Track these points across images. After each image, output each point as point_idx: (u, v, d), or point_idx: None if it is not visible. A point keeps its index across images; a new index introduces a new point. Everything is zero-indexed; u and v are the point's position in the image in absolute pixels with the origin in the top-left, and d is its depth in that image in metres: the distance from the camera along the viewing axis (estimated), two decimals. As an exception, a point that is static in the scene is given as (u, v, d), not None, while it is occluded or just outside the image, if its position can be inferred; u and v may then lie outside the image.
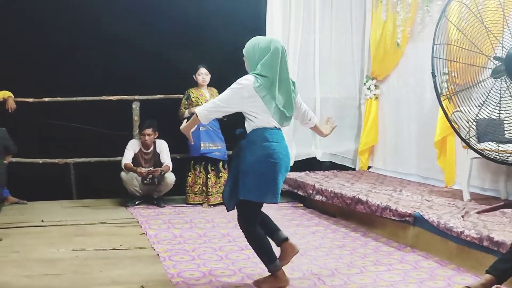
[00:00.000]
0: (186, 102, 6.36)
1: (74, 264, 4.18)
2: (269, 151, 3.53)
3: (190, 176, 6.38)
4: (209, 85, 6.42)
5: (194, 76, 6.31)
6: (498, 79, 4.47)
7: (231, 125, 6.19)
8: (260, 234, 3.70)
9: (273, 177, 3.55)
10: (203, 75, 6.34)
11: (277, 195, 3.61)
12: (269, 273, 3.72)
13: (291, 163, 7.16)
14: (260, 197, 3.57)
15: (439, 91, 4.57)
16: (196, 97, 6.32)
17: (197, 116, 3.59)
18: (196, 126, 3.78)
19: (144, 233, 5.10)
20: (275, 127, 3.59)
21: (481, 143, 4.83)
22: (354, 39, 7.38)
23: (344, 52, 7.38)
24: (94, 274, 3.98)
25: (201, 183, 6.33)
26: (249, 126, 3.62)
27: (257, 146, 3.54)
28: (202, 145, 6.21)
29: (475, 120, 4.82)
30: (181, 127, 3.75)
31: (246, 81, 3.53)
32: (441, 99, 3.54)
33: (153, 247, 4.64)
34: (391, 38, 6.70)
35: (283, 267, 3.74)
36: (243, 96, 3.51)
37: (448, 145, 5.91)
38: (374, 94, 7.13)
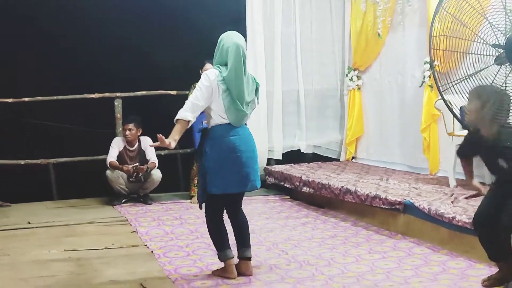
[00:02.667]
0: None
1: (68, 265, 4.12)
2: (229, 146, 3.66)
3: (193, 169, 6.32)
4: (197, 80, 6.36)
5: (200, 71, 6.16)
6: (501, 66, 4.49)
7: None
8: (218, 225, 3.82)
9: (237, 170, 3.68)
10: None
11: (244, 184, 3.73)
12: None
13: (279, 157, 7.22)
14: (223, 189, 3.68)
15: (437, 82, 4.60)
16: None
17: (183, 120, 3.61)
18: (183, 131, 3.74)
19: (134, 231, 5.06)
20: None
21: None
22: (334, 28, 7.41)
23: (325, 42, 7.41)
24: (90, 274, 3.94)
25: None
26: (210, 123, 3.74)
27: (217, 142, 3.68)
28: None
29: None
30: (172, 140, 3.65)
31: (212, 75, 3.65)
32: (441, 90, 3.59)
33: (146, 245, 4.61)
34: (372, 29, 6.76)
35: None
36: (212, 90, 3.64)
37: (432, 133, 6.00)
38: (357, 85, 7.18)
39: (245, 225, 3.90)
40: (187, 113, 3.61)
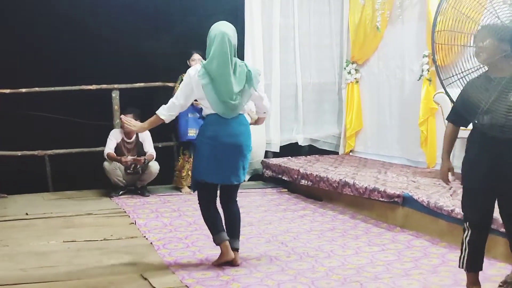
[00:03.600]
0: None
1: (67, 256, 4.11)
2: (211, 134, 3.69)
3: (179, 161, 6.39)
4: None
5: (188, 62, 6.15)
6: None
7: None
8: (210, 210, 3.86)
9: (215, 159, 3.69)
10: (197, 60, 6.26)
11: (221, 176, 3.73)
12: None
13: (276, 150, 7.22)
14: (202, 176, 3.74)
15: (440, 76, 4.58)
16: None
17: (158, 116, 3.75)
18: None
19: (133, 223, 5.06)
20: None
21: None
22: (332, 21, 7.41)
23: (323, 35, 7.42)
24: (90, 265, 3.93)
25: (189, 167, 6.29)
26: (204, 112, 3.79)
27: (204, 130, 3.76)
28: (189, 131, 6.19)
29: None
30: (140, 126, 3.94)
31: (192, 71, 3.70)
32: (444, 84, 3.56)
33: (145, 236, 4.61)
34: (371, 22, 6.75)
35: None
36: (193, 86, 3.67)
37: (429, 127, 6.02)
38: (355, 78, 7.19)
39: (235, 216, 3.91)
40: (163, 111, 3.75)
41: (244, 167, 3.81)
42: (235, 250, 3.86)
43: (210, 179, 3.75)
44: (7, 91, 6.31)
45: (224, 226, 3.88)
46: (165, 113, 3.74)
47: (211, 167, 3.71)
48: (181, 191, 6.36)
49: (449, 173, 3.32)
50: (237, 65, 3.69)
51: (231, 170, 3.74)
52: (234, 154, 3.72)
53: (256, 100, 3.86)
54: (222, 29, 3.67)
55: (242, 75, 3.68)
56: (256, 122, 4.10)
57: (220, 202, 3.92)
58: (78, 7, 6.60)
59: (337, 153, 7.49)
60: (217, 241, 3.83)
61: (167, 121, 3.78)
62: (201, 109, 3.86)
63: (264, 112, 3.98)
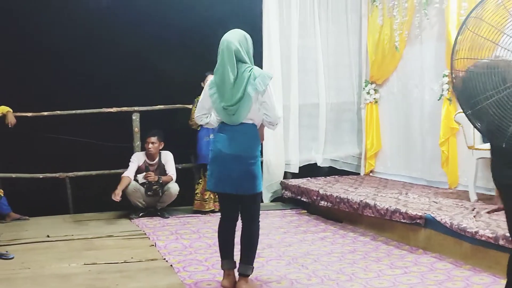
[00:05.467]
0: None
1: (89, 279, 4.12)
2: (215, 142, 3.75)
3: (200, 184, 6.35)
4: None
5: (202, 83, 6.20)
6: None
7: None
8: (222, 230, 3.82)
9: (219, 167, 3.69)
10: None
11: (226, 184, 3.67)
12: None
13: (295, 170, 7.20)
14: (211, 186, 3.76)
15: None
16: None
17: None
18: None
19: (153, 245, 5.06)
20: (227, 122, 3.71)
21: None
22: (350, 42, 7.44)
23: (341, 55, 7.43)
24: (111, 287, 3.93)
25: None
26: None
27: (213, 138, 3.85)
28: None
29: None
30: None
31: (207, 83, 3.78)
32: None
33: (165, 259, 4.60)
34: (389, 42, 6.75)
35: None
36: (208, 98, 3.72)
37: (451, 147, 5.96)
38: (374, 98, 7.17)
39: (248, 240, 3.75)
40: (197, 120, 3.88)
41: (252, 178, 3.63)
42: (243, 276, 3.74)
43: (214, 188, 3.75)
44: (29, 114, 6.40)
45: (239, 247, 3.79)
46: (199, 122, 3.86)
47: (214, 176, 3.71)
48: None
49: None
50: (241, 71, 3.58)
51: (234, 180, 3.63)
52: (234, 163, 3.63)
53: (262, 106, 3.62)
54: (225, 37, 3.65)
55: (243, 80, 3.57)
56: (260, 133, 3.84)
57: (241, 220, 3.83)
58: (99, 33, 6.69)
59: (356, 173, 7.45)
60: (221, 266, 3.84)
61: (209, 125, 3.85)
62: None
63: (269, 121, 3.65)
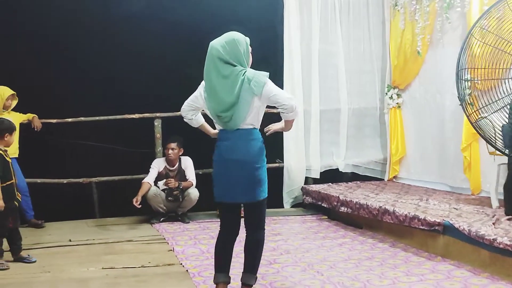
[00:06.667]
0: None
1: (105, 283, 4.19)
2: (216, 149, 3.61)
3: None
4: None
5: None
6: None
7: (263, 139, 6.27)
8: (218, 242, 3.68)
9: (223, 176, 3.56)
10: None
11: (230, 194, 3.54)
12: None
13: (316, 176, 7.17)
14: (217, 197, 3.62)
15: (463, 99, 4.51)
16: None
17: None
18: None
19: (171, 250, 5.11)
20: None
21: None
22: (373, 47, 7.39)
23: (363, 60, 7.39)
24: (125, 292, 3.99)
25: None
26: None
27: (215, 147, 3.65)
28: None
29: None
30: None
31: (201, 84, 3.63)
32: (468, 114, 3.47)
33: (181, 264, 4.64)
34: (411, 46, 6.69)
35: None
36: (199, 96, 3.61)
37: (473, 152, 5.86)
38: (397, 103, 7.11)
39: (253, 249, 3.65)
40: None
41: (257, 183, 3.53)
42: (245, 285, 3.65)
43: (219, 198, 3.60)
44: (54, 121, 6.55)
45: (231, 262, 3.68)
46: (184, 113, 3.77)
47: (216, 184, 3.60)
48: None
49: None
50: (233, 75, 3.43)
51: (239, 187, 3.52)
52: (235, 170, 3.51)
53: (271, 101, 3.49)
54: (211, 42, 3.53)
55: (235, 85, 3.41)
56: (285, 127, 3.75)
57: (245, 229, 3.72)
58: (124, 40, 6.80)
59: (379, 179, 7.38)
60: (214, 279, 3.65)
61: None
62: None
63: (285, 109, 3.49)
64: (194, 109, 3.71)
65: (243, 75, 3.43)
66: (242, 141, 3.53)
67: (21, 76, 6.33)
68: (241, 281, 3.67)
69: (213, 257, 3.70)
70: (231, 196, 3.56)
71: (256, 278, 3.68)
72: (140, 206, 6.00)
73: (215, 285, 3.65)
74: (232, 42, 3.48)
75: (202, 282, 4.14)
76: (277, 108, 3.55)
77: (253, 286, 3.69)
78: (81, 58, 6.73)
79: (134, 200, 5.98)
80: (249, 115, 3.50)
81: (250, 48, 3.58)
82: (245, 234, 3.70)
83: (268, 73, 3.51)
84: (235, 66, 3.46)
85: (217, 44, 3.49)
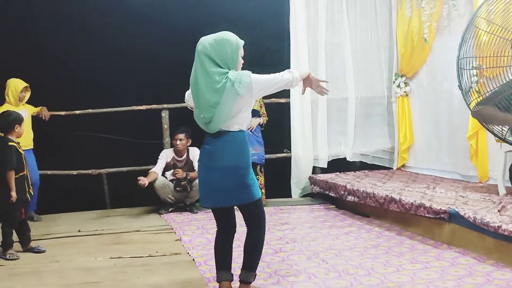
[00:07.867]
0: None
1: (112, 272, 4.25)
2: (201, 155, 3.52)
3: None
4: None
5: None
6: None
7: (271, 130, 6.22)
8: (217, 241, 3.67)
9: (205, 181, 3.48)
10: None
11: (213, 198, 3.46)
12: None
13: (324, 165, 7.18)
14: (202, 201, 3.58)
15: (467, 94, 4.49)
16: None
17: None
18: None
19: (178, 239, 5.16)
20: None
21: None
22: (380, 36, 7.36)
23: (370, 49, 7.36)
24: (132, 281, 4.04)
25: None
26: None
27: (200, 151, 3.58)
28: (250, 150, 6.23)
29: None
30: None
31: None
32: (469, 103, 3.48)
33: (188, 253, 4.69)
34: (418, 34, 6.65)
35: None
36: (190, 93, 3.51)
37: (480, 140, 5.83)
38: (405, 92, 7.09)
39: (252, 247, 3.58)
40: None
41: (247, 187, 3.41)
42: (243, 283, 3.60)
43: (205, 204, 3.55)
44: (62, 113, 6.63)
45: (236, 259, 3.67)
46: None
47: (200, 190, 3.54)
48: None
49: None
50: (217, 76, 3.30)
51: (221, 193, 3.41)
52: (219, 179, 3.39)
53: (267, 90, 3.42)
54: (202, 37, 3.41)
55: (218, 84, 3.28)
56: (307, 83, 3.66)
57: (246, 227, 3.66)
58: (129, 32, 6.86)
59: (388, 168, 7.37)
60: (216, 278, 3.63)
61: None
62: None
63: (285, 85, 3.44)
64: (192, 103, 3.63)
65: (225, 78, 3.30)
66: (224, 146, 3.40)
67: (31, 71, 6.39)
68: (239, 278, 3.64)
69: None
70: (216, 201, 3.48)
71: (255, 275, 3.63)
72: (145, 184, 5.95)
73: (218, 285, 3.62)
74: (221, 41, 3.35)
75: (208, 270, 4.18)
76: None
77: (256, 276, 3.68)
78: (89, 52, 6.79)
79: (140, 179, 5.96)
80: (235, 116, 3.37)
81: (241, 51, 3.44)
82: (246, 233, 3.65)
83: (250, 72, 3.38)
84: (220, 66, 3.33)
85: (205, 40, 3.37)
